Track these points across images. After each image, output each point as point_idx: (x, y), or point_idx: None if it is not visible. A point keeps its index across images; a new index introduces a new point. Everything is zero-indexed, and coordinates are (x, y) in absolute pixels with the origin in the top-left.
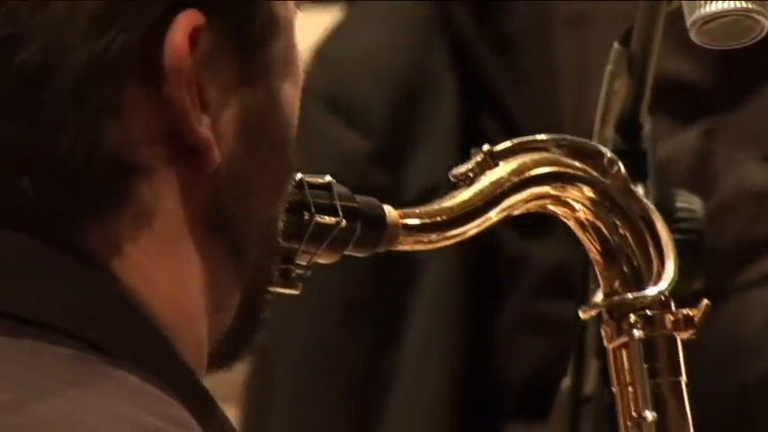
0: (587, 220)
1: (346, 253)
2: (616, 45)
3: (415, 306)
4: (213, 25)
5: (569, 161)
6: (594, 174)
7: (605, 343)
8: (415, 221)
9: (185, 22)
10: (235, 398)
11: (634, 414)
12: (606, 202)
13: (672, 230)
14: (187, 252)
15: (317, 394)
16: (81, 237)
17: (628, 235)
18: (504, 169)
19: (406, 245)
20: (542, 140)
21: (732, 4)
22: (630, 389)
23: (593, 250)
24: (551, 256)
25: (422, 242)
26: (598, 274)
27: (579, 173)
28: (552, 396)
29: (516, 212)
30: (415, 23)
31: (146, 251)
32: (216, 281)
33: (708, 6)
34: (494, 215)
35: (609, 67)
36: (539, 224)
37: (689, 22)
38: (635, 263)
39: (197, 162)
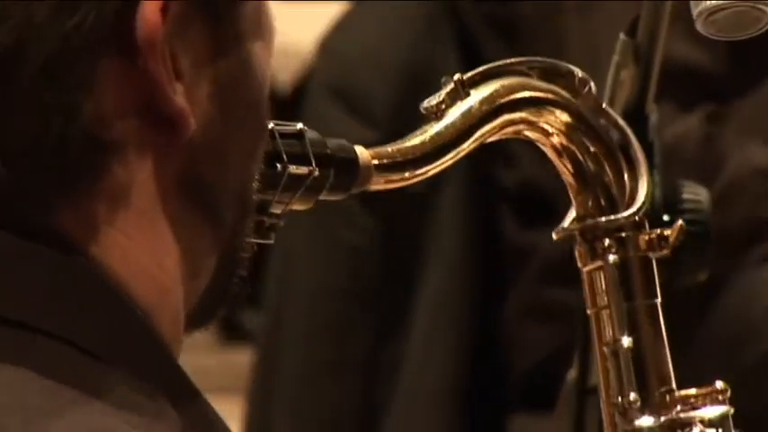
0: (561, 144)
1: (321, 198)
2: (622, 36)
3: (420, 295)
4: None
5: (541, 84)
6: (566, 95)
7: (579, 265)
8: (387, 161)
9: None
10: (240, 388)
11: (609, 339)
12: (580, 125)
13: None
14: (163, 223)
15: (322, 384)
16: (55, 218)
17: (601, 158)
18: (474, 98)
19: (378, 185)
20: (513, 63)
21: None
22: (606, 312)
23: (567, 174)
24: (556, 245)
25: (394, 181)
26: (572, 198)
27: (552, 96)
28: (557, 386)
29: (490, 140)
30: (421, 15)
31: (122, 228)
32: (192, 248)
33: None
34: (466, 146)
35: (615, 58)
36: (543, 213)
37: (695, 12)
38: (608, 186)
39: (172, 132)
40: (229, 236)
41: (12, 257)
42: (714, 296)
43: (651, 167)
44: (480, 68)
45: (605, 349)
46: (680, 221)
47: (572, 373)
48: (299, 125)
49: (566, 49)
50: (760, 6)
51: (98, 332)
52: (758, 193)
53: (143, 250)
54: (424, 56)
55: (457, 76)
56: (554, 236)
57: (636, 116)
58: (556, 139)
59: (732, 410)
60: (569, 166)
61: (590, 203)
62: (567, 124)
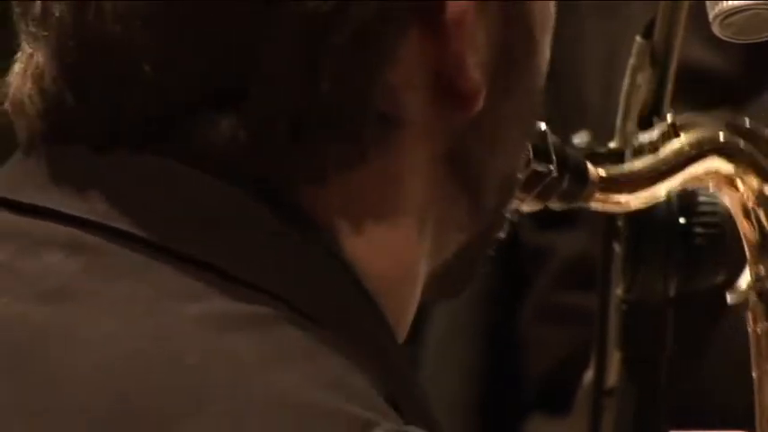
0: (750, 205)
1: (547, 203)
2: (638, 38)
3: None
4: None
5: (741, 142)
6: (763, 161)
7: (749, 326)
8: (610, 179)
9: None
10: None
11: None
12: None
13: (694, 225)
14: (423, 199)
15: None
16: (312, 197)
17: None
18: (685, 139)
19: (597, 202)
20: (718, 118)
21: None
22: None
23: (749, 235)
24: (573, 248)
25: (610, 202)
26: (749, 258)
27: (751, 157)
28: (574, 389)
29: (692, 185)
30: None
31: (383, 211)
32: (445, 224)
33: (730, 0)
34: (673, 183)
35: (631, 61)
36: (560, 215)
37: (711, 15)
38: None
39: (460, 108)
40: (489, 218)
41: (252, 221)
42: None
43: None
44: (692, 115)
45: None
46: None
47: (589, 376)
48: (543, 125)
49: (583, 50)
50: None
51: (320, 300)
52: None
53: (399, 231)
54: None
55: (670, 119)
56: (728, 298)
57: (653, 120)
58: (745, 199)
59: None
60: (753, 228)
61: (764, 268)
62: (759, 188)
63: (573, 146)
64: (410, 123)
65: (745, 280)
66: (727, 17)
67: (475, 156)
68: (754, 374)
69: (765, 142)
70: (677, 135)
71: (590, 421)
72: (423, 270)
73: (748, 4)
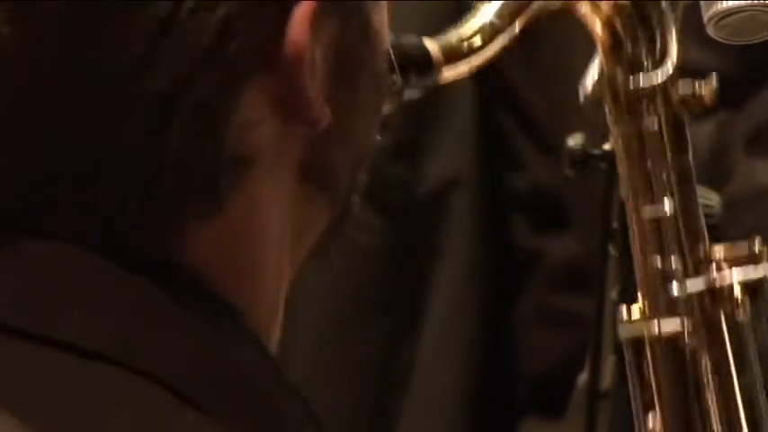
0: (607, 15)
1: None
2: None
3: (432, 299)
4: (322, 2)
5: None
6: None
7: (611, 130)
8: (453, 53)
9: (303, 11)
10: None
11: (649, 207)
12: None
13: None
14: (285, 216)
15: (333, 389)
16: (185, 251)
17: (634, 17)
18: None
19: (449, 76)
20: None
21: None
22: (643, 176)
23: (602, 38)
24: (565, 252)
25: (463, 71)
26: (604, 60)
27: None
28: (569, 391)
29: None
30: (429, 17)
31: (252, 242)
32: (306, 224)
33: (724, 1)
34: (519, 22)
35: None
36: (554, 218)
37: (706, 17)
38: (641, 45)
39: (306, 130)
40: (345, 195)
41: (125, 296)
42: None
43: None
44: None
45: (642, 216)
46: (713, 76)
47: (583, 378)
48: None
49: (576, 51)
50: None
51: (197, 375)
52: (760, 213)
53: (267, 253)
54: None
55: None
56: (581, 97)
57: None
58: (605, 9)
59: None
60: (608, 35)
61: (622, 67)
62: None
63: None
64: (263, 154)
65: (590, 79)
66: (721, 19)
67: (326, 157)
68: (621, 174)
69: None
70: None
71: (585, 424)
72: (287, 277)
73: (743, 6)
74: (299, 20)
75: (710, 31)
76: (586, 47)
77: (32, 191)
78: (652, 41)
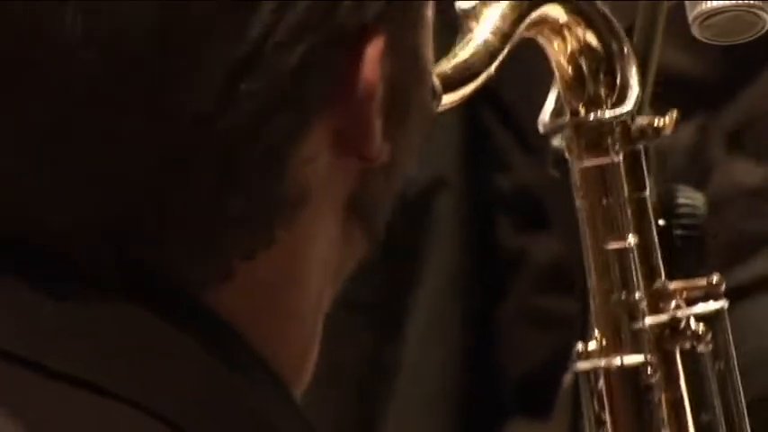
0: (560, 38)
1: None
2: None
3: (417, 300)
4: (389, 39)
5: None
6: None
7: (569, 160)
8: (450, 81)
9: (375, 52)
10: None
11: (612, 240)
12: (580, 21)
13: (673, 226)
14: (328, 253)
15: (318, 390)
16: (217, 290)
17: (599, 53)
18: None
19: (447, 105)
20: None
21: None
22: (602, 210)
23: (564, 71)
24: (549, 252)
25: (459, 98)
26: (562, 92)
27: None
28: (554, 391)
29: (519, 37)
30: None
31: (292, 286)
32: (348, 259)
33: (709, 1)
34: (507, 48)
35: None
36: (537, 218)
37: (691, 17)
38: (603, 81)
39: (360, 165)
40: (381, 224)
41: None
42: None
43: (647, 171)
44: None
45: (606, 246)
46: (674, 111)
47: (569, 378)
48: None
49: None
50: (755, 11)
51: (205, 414)
52: (743, 211)
53: (306, 295)
54: None
55: None
56: (541, 128)
57: None
58: (555, 35)
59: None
60: (565, 60)
61: (583, 99)
62: (567, 20)
63: None
64: (314, 193)
65: (547, 111)
66: (706, 19)
67: (374, 192)
68: (579, 206)
69: None
70: None
71: (570, 424)
72: (321, 317)
73: (728, 6)
74: (372, 59)
75: (695, 31)
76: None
77: (79, 227)
78: (613, 76)
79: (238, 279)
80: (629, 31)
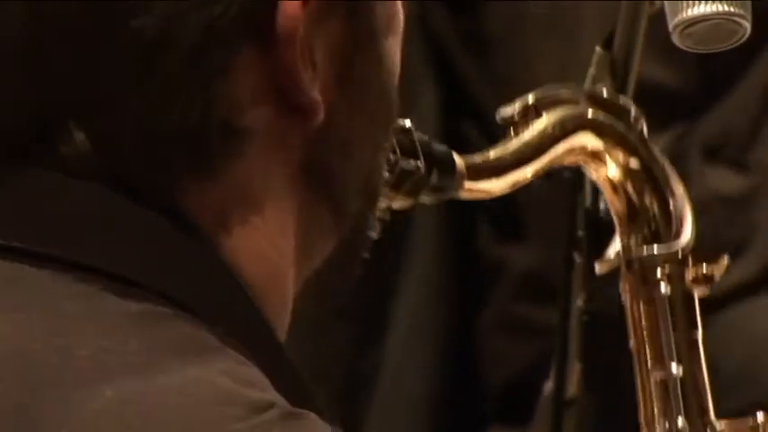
0: (616, 178)
1: (417, 199)
2: (598, 49)
3: (397, 308)
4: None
5: (604, 116)
6: (624, 131)
7: (623, 297)
8: (476, 168)
9: (295, 4)
10: None
11: (658, 370)
12: (638, 167)
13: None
14: (284, 209)
15: None
16: (181, 198)
17: (651, 193)
18: (548, 120)
19: (467, 192)
20: (577, 91)
21: (715, 8)
22: (650, 345)
23: (617, 208)
24: (527, 261)
25: (478, 190)
26: (618, 230)
27: (613, 130)
28: (534, 399)
29: (558, 162)
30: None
31: (245, 213)
32: (310, 232)
33: (690, 9)
34: (539, 165)
35: (590, 71)
36: (517, 227)
37: (671, 25)
38: (655, 222)
39: (302, 121)
40: (352, 223)
41: (131, 222)
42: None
43: None
44: (551, 90)
45: (652, 379)
46: (725, 258)
47: (549, 386)
48: (407, 122)
49: (532, 66)
50: (735, 19)
51: (205, 295)
52: (720, 219)
53: (263, 235)
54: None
55: (531, 99)
56: (597, 267)
57: None
58: (611, 173)
59: None
60: (621, 200)
61: (635, 238)
62: (626, 164)
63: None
64: (259, 135)
65: (613, 250)
66: (687, 27)
67: (328, 164)
68: (632, 342)
69: (626, 113)
70: (539, 114)
71: (550, 431)
72: (291, 277)
73: (708, 14)
74: (290, 8)
75: (676, 39)
76: (543, 65)
77: (30, 123)
78: (665, 210)
79: (193, 198)
80: (610, 38)
